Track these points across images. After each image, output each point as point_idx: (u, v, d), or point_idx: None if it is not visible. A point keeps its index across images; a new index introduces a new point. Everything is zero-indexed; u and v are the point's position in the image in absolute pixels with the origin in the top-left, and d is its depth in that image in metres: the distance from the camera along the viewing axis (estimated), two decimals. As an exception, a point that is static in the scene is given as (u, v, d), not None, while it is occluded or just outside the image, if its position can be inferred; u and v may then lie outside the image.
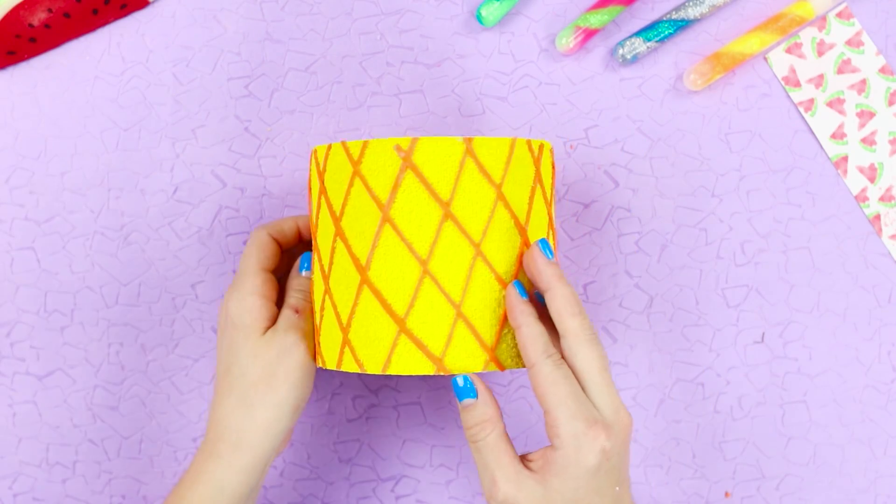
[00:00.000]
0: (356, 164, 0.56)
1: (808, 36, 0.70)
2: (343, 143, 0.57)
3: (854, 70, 0.70)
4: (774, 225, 0.70)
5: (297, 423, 0.70)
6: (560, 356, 0.53)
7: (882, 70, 0.70)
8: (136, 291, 0.70)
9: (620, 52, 0.69)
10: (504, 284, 0.55)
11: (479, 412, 0.54)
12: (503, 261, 0.55)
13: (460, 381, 0.55)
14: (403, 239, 0.55)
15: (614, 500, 0.53)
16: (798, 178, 0.70)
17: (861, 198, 0.70)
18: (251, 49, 0.70)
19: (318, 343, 0.58)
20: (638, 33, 0.69)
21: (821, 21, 0.71)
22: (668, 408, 0.70)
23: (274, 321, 0.60)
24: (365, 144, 0.55)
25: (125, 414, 0.70)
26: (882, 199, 0.70)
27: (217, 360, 0.61)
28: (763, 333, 0.70)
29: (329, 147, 0.57)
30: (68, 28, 0.68)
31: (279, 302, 0.62)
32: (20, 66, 0.70)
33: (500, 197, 0.56)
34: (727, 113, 0.70)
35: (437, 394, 0.70)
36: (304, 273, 0.61)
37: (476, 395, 0.54)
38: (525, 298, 0.54)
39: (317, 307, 0.59)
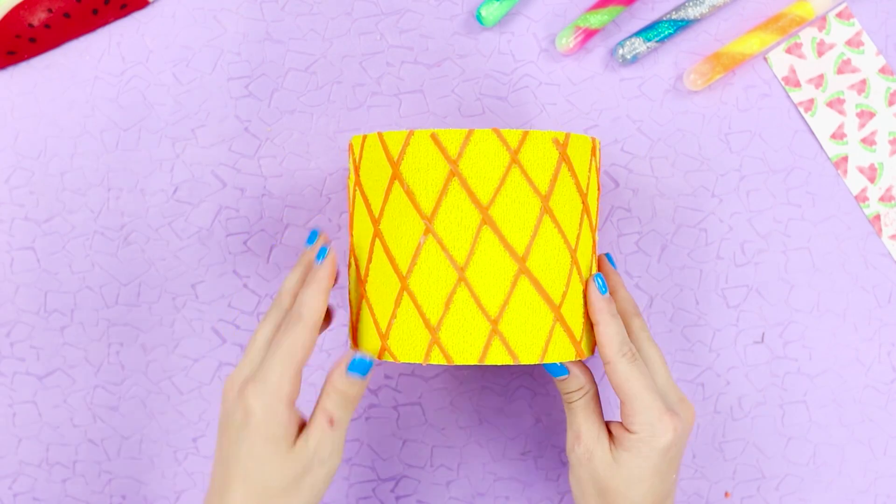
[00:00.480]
0: (395, 164, 0.56)
1: (808, 36, 0.70)
2: (380, 134, 0.57)
3: (854, 70, 0.70)
4: (774, 225, 0.70)
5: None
6: (634, 351, 0.58)
7: (882, 70, 0.70)
8: (136, 291, 0.70)
9: (620, 52, 0.69)
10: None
11: (571, 383, 0.59)
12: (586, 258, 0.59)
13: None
14: (504, 240, 0.55)
15: (670, 486, 0.59)
16: (798, 178, 0.70)
17: (861, 198, 0.70)
18: (251, 49, 0.70)
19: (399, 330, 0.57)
20: (638, 33, 0.69)
21: (821, 21, 0.71)
22: (668, 408, 0.70)
23: (300, 425, 0.56)
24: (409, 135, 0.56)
25: (125, 414, 0.70)
26: (882, 199, 0.70)
27: (223, 452, 0.56)
28: (763, 334, 0.70)
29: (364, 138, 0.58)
30: (68, 28, 0.68)
31: None
32: (20, 66, 0.70)
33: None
34: (727, 113, 0.70)
35: (437, 394, 0.70)
36: (350, 376, 0.56)
37: (567, 372, 0.59)
38: (605, 294, 0.58)
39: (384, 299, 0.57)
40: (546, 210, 0.56)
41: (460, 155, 0.55)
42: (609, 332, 0.57)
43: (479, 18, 0.69)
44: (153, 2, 0.70)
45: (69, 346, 0.70)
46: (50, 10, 0.67)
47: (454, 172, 0.55)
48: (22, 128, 0.70)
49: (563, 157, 0.56)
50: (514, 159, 0.55)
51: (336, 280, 0.58)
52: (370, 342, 0.58)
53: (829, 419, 0.70)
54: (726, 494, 0.70)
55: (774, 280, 0.70)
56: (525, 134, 0.55)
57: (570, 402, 0.60)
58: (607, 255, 0.64)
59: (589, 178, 0.58)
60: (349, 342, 0.61)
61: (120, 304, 0.70)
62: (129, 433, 0.70)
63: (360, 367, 0.55)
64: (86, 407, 0.69)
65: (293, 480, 0.55)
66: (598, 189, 0.61)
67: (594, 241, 0.60)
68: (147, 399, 0.70)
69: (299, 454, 0.55)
